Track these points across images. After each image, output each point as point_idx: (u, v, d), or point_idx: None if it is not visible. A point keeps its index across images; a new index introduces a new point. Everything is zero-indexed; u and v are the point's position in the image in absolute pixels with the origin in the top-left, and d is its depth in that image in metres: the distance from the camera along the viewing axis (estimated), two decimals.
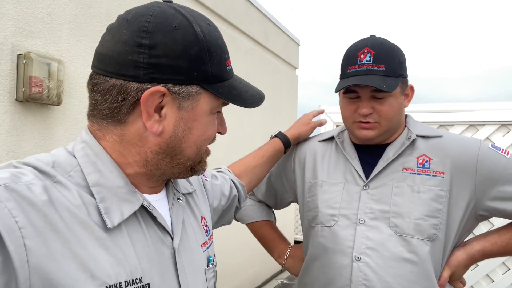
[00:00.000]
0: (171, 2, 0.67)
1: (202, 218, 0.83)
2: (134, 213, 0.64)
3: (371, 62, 1.05)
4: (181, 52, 0.62)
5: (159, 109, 0.63)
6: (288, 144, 1.24)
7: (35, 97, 1.69)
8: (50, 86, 1.74)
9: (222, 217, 1.04)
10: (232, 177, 1.08)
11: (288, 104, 5.12)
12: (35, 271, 0.51)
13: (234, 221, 1.42)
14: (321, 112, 1.34)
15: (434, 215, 1.03)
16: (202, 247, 0.78)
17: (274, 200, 1.37)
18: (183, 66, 0.62)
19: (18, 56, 1.67)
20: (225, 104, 0.70)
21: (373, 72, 1.04)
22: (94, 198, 0.61)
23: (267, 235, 1.35)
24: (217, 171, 1.09)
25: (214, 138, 0.72)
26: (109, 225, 0.60)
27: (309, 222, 1.17)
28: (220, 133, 0.74)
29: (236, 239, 3.53)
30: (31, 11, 1.73)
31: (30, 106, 1.74)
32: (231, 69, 0.70)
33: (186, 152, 0.67)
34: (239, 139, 3.72)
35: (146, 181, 0.69)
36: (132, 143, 0.65)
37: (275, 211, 1.45)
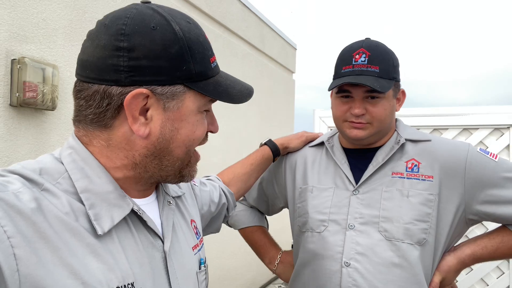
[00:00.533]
0: (149, 2, 0.66)
1: (192, 221, 0.83)
2: (124, 218, 0.64)
3: (365, 62, 1.05)
4: (161, 52, 0.61)
5: (144, 111, 0.63)
6: (277, 153, 1.24)
7: (29, 102, 1.69)
8: (45, 91, 1.75)
9: (211, 224, 1.04)
10: (221, 185, 1.08)
11: (285, 108, 5.13)
12: (25, 280, 0.51)
13: (228, 226, 1.43)
14: (320, 135, 1.32)
15: (423, 219, 1.03)
16: (193, 249, 0.78)
17: (265, 206, 1.37)
18: (165, 66, 0.61)
19: (13, 61, 1.67)
20: (212, 101, 0.69)
21: (368, 72, 1.05)
22: (83, 204, 0.60)
23: (258, 240, 1.35)
24: (207, 179, 1.09)
25: (206, 138, 0.71)
26: (99, 232, 0.59)
27: (299, 228, 1.17)
28: (211, 131, 0.73)
29: (233, 243, 3.52)
30: (25, 16, 1.74)
31: (24, 111, 1.74)
32: (216, 66, 0.69)
33: (175, 152, 0.66)
34: (235, 144, 3.72)
35: (134, 184, 0.69)
36: (120, 147, 0.64)
37: (271, 215, 1.45)
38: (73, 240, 0.57)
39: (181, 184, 0.87)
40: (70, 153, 0.64)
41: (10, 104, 1.67)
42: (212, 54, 0.69)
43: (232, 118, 3.67)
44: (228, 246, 3.53)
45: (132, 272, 0.62)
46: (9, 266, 0.50)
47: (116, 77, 0.60)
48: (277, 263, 1.31)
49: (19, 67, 1.66)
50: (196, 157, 0.72)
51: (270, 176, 1.33)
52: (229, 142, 3.60)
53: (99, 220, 0.60)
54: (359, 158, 1.15)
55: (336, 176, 1.16)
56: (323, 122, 2.09)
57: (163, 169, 0.68)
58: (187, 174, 0.71)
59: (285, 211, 1.43)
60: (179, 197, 0.82)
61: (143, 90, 0.61)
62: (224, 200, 1.05)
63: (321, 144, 1.25)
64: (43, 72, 1.74)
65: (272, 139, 1.27)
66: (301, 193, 1.20)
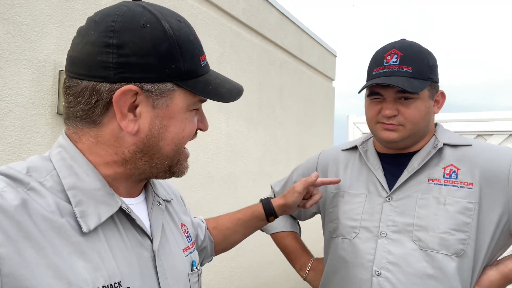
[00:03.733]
0: (140, 0, 0.67)
1: (182, 225, 0.83)
2: (111, 217, 0.64)
3: (397, 63, 1.02)
4: (151, 50, 0.61)
5: (133, 108, 0.63)
6: (270, 212, 1.10)
7: None
8: None
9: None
10: (204, 228, 1.05)
11: (324, 116, 5.06)
12: (7, 280, 0.50)
13: (264, 233, 1.42)
14: (315, 178, 1.11)
15: (461, 229, 0.97)
16: (184, 251, 0.77)
17: (298, 211, 1.35)
18: (154, 64, 0.61)
19: (60, 72, 1.78)
20: (202, 100, 0.69)
21: (399, 73, 1.01)
22: (70, 203, 0.60)
23: (289, 246, 1.33)
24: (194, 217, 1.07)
25: (194, 135, 0.72)
26: (85, 229, 0.59)
27: (330, 233, 1.15)
28: (201, 129, 0.73)
29: (269, 252, 3.50)
30: (72, 30, 1.85)
31: None
32: (206, 65, 0.69)
33: (164, 150, 0.66)
34: (273, 152, 3.72)
35: (124, 181, 0.69)
36: (109, 144, 0.64)
37: (306, 221, 1.43)
38: (58, 239, 0.56)
39: (171, 192, 0.87)
40: (59, 151, 0.65)
41: (57, 112, 1.78)
42: (202, 53, 0.69)
43: (269, 126, 3.68)
44: (265, 255, 3.51)
45: (119, 271, 0.61)
46: None
47: (105, 74, 0.61)
48: (308, 270, 1.29)
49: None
50: (186, 155, 0.72)
51: None
52: (266, 151, 3.60)
53: (85, 217, 0.60)
54: (393, 163, 1.11)
55: (369, 182, 1.12)
56: (357, 128, 2.04)
57: (153, 167, 0.67)
58: (177, 171, 0.71)
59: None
60: (168, 201, 0.82)
61: (132, 86, 0.61)
62: (206, 243, 1.02)
63: (355, 148, 1.22)
64: None
65: (274, 197, 1.17)
66: (333, 197, 1.17)
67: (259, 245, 3.39)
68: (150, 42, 0.61)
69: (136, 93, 0.62)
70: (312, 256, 1.33)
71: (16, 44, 1.62)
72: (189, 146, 0.76)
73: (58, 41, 1.78)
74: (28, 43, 1.66)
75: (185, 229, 0.83)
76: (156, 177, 0.71)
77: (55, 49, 1.77)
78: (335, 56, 5.43)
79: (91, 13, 1.92)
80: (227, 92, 0.69)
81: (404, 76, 1.00)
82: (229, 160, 3.07)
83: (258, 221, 1.11)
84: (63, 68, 1.79)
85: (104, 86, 0.61)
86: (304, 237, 1.48)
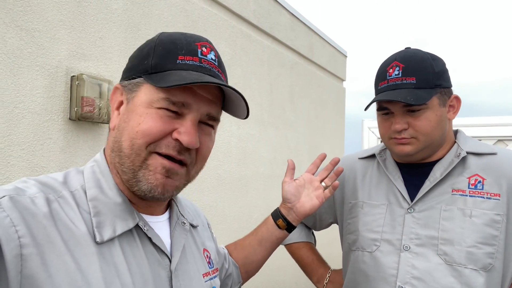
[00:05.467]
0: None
1: (205, 250, 0.81)
2: (131, 232, 0.65)
3: (399, 75, 1.00)
4: (136, 54, 0.69)
5: (120, 106, 0.69)
6: (276, 214, 1.06)
7: (86, 116, 1.78)
8: (101, 105, 1.83)
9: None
10: (227, 254, 1.02)
11: (335, 117, 5.02)
12: (26, 281, 0.52)
13: None
14: (322, 158, 1.13)
15: (489, 243, 0.93)
16: (204, 276, 0.76)
17: (313, 220, 1.32)
18: (135, 64, 0.68)
19: (72, 77, 1.78)
20: (173, 101, 0.62)
21: (403, 85, 0.99)
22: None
23: (305, 257, 1.30)
24: None
25: (171, 141, 0.63)
26: (97, 239, 0.60)
27: (349, 245, 1.11)
28: (177, 139, 0.63)
29: (281, 256, 3.47)
30: (84, 35, 1.84)
31: (82, 125, 1.84)
32: (185, 63, 0.63)
33: (123, 146, 0.64)
34: (284, 154, 3.69)
35: (135, 196, 0.68)
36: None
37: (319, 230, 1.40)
38: (78, 248, 0.58)
39: (199, 219, 0.85)
40: (92, 165, 0.69)
41: (70, 118, 1.77)
42: (186, 54, 0.64)
43: (280, 128, 3.65)
44: (276, 259, 3.48)
45: (133, 286, 0.61)
46: (15, 266, 0.52)
47: None
48: (326, 283, 1.26)
49: (78, 83, 1.76)
50: (156, 165, 0.63)
51: None
52: (277, 152, 3.57)
53: (101, 228, 0.61)
54: (414, 173, 1.08)
55: (389, 192, 1.09)
56: (372, 133, 2.00)
57: (123, 171, 0.65)
58: (142, 179, 0.63)
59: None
60: (194, 226, 0.81)
61: (117, 85, 0.69)
62: (231, 270, 1.00)
63: (372, 156, 1.18)
64: (100, 88, 1.83)
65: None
66: (351, 208, 1.14)
67: None
68: (139, 49, 0.69)
69: (122, 93, 0.68)
70: (329, 268, 1.29)
71: (28, 50, 1.61)
72: None
73: (70, 47, 1.77)
74: (40, 49, 1.66)
75: (207, 255, 0.82)
76: (131, 188, 0.66)
77: (67, 55, 1.76)
78: (346, 57, 5.37)
79: (102, 18, 1.92)
80: (180, 79, 0.61)
81: (408, 88, 0.98)
82: (240, 163, 3.05)
83: (268, 229, 1.05)
84: (75, 74, 1.78)
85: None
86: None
